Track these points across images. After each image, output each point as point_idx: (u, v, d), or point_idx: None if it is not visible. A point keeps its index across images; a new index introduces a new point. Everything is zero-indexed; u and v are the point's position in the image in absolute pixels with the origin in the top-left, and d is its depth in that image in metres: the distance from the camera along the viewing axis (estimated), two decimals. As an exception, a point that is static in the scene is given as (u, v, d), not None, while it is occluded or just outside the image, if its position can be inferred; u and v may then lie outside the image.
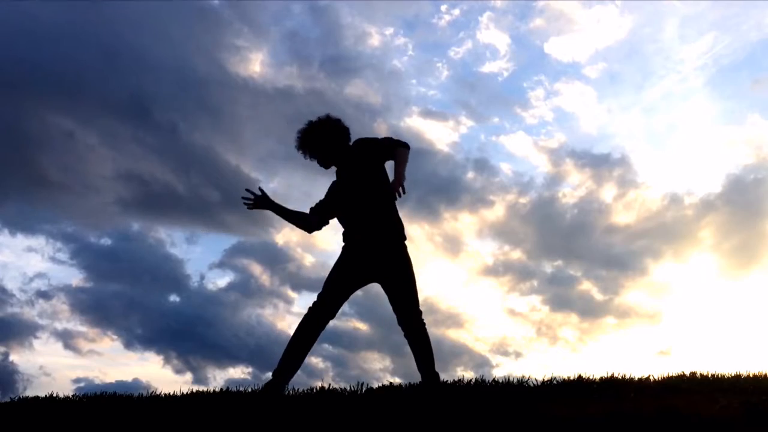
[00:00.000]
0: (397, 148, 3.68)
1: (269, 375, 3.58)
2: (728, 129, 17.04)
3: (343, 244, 3.80)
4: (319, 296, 3.68)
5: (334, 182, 3.89)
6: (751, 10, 16.00)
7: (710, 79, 17.15)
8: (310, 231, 3.92)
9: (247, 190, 3.80)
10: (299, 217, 3.89)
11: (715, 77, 17.18)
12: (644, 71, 17.88)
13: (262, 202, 3.80)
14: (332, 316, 3.67)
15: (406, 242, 3.78)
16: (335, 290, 3.67)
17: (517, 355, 12.41)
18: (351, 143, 3.80)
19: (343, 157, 3.77)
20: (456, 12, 18.34)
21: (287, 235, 16.99)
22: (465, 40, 18.56)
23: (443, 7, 18.39)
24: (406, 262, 3.70)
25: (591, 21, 18.00)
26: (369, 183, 3.69)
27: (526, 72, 18.87)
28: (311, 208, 3.90)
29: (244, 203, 3.81)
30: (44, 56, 14.93)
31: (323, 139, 3.71)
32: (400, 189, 3.51)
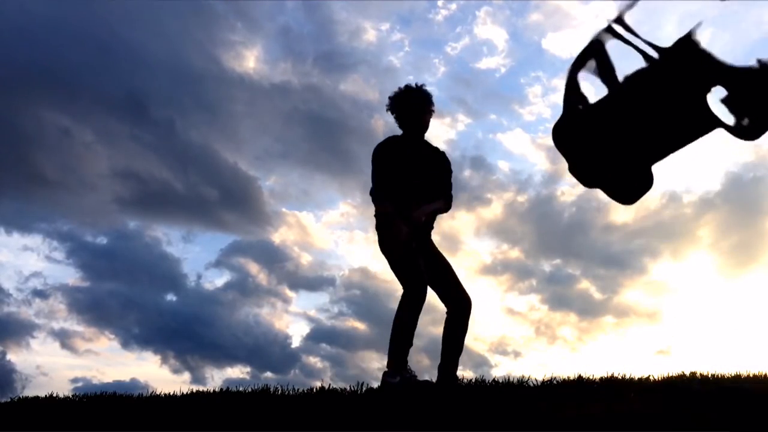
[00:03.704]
0: (446, 197, 4.00)
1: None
2: (728, 128, 17.05)
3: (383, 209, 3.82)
4: (414, 278, 3.71)
5: (387, 141, 3.94)
6: (750, 8, 16.00)
7: (710, 78, 17.15)
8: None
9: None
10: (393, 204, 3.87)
11: (714, 76, 17.18)
12: (643, 69, 17.88)
13: (413, 226, 3.82)
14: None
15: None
16: (419, 262, 3.77)
17: (516, 354, 12.42)
18: (434, 146, 4.05)
19: (417, 137, 3.97)
20: (453, 7, 18.31)
21: (284, 234, 17.01)
22: (462, 36, 18.54)
23: (440, 2, 18.38)
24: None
25: (589, 16, 18.00)
26: (428, 182, 3.92)
27: (523, 68, 18.84)
28: (387, 178, 3.87)
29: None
30: (39, 53, 14.91)
31: (407, 106, 3.91)
32: (417, 216, 3.77)
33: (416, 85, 3.96)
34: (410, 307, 3.64)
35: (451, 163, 4.11)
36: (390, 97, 3.94)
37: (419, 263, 3.74)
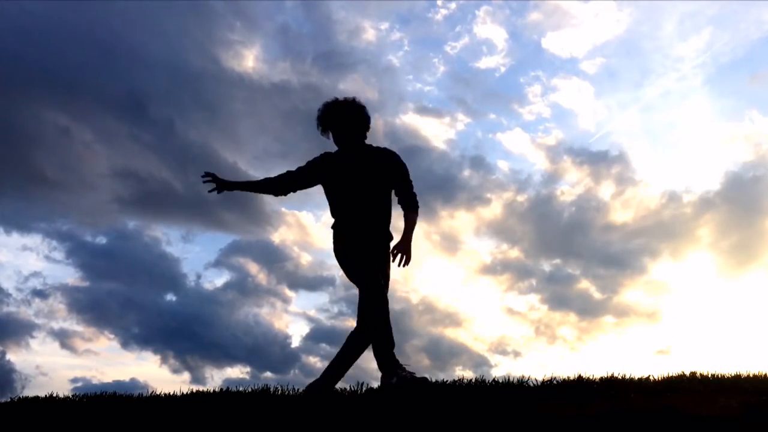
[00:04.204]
0: (412, 206, 3.83)
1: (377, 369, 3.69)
2: (727, 126, 17.06)
3: (336, 224, 3.82)
4: (372, 282, 3.70)
5: (326, 157, 3.87)
6: (750, 7, 16.02)
7: (709, 77, 17.17)
8: (279, 194, 3.93)
9: (204, 180, 3.81)
10: (264, 186, 3.90)
11: (713, 75, 17.20)
12: (643, 68, 17.91)
13: (221, 186, 3.82)
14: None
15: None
16: (375, 269, 3.73)
17: (516, 354, 12.44)
18: (379, 147, 3.87)
19: (359, 146, 3.81)
20: (452, 6, 18.34)
21: (284, 233, 17.00)
22: (461, 35, 18.56)
23: (439, 2, 18.39)
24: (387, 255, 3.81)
25: (589, 15, 18.01)
26: (380, 187, 3.77)
27: (523, 67, 18.88)
28: (290, 172, 3.88)
29: (209, 191, 3.83)
30: (39, 53, 14.93)
31: (346, 118, 3.76)
32: (403, 257, 3.70)
33: (345, 98, 3.81)
34: (377, 312, 3.66)
35: (402, 158, 3.87)
36: (328, 112, 3.77)
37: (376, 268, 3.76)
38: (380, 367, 3.67)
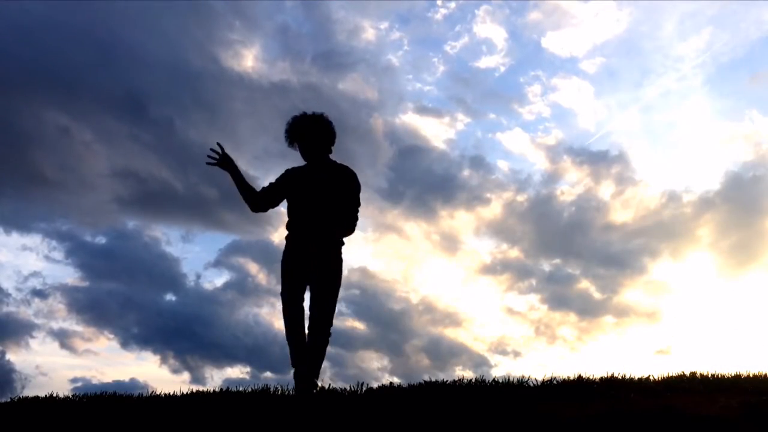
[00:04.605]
0: (350, 226, 3.85)
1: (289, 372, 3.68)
2: (727, 126, 17.05)
3: (287, 233, 3.85)
4: (282, 297, 3.74)
5: (291, 171, 3.92)
6: (750, 7, 16.00)
7: (709, 77, 17.14)
8: (255, 210, 3.95)
9: (212, 149, 3.84)
10: (251, 192, 3.91)
11: (713, 75, 17.18)
12: (642, 68, 17.87)
13: (223, 160, 3.85)
14: (301, 306, 3.75)
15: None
16: (292, 284, 3.75)
17: (516, 354, 12.42)
18: (342, 165, 3.89)
19: (324, 159, 3.86)
20: (452, 5, 18.29)
21: (284, 233, 16.98)
22: (461, 35, 18.52)
23: (439, 1, 18.37)
24: (337, 269, 3.79)
25: (588, 15, 17.99)
26: (339, 201, 3.79)
27: (522, 67, 18.83)
28: (263, 188, 3.92)
29: (207, 162, 3.85)
30: (39, 52, 14.89)
31: (315, 133, 3.81)
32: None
33: (313, 113, 3.87)
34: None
35: (359, 195, 3.92)
36: (297, 126, 3.82)
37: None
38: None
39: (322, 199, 3.77)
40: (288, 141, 3.89)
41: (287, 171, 3.94)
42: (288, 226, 3.86)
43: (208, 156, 3.84)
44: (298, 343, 3.70)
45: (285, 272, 3.78)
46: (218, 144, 3.84)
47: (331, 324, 3.74)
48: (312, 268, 3.72)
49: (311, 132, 3.82)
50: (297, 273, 3.75)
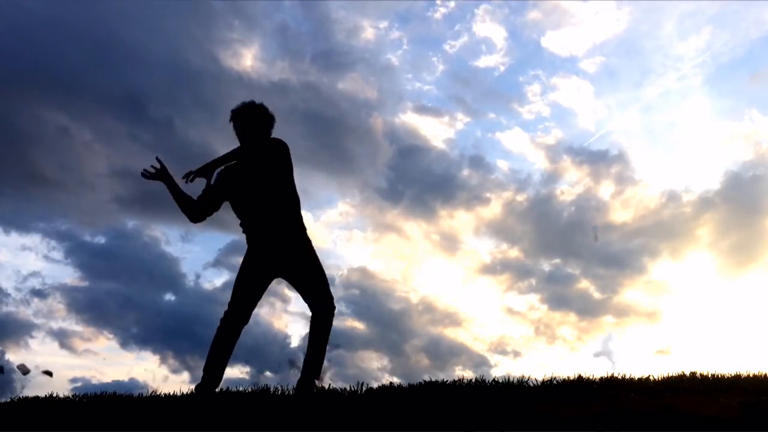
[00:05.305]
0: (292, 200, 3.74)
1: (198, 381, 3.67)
2: (727, 125, 17.07)
3: (245, 236, 3.78)
4: (229, 305, 3.70)
5: (224, 171, 3.81)
6: (750, 7, 16.03)
7: (709, 77, 17.19)
8: (194, 219, 3.85)
9: (152, 165, 3.78)
10: (188, 202, 3.82)
11: (713, 74, 17.22)
12: (642, 68, 17.93)
13: (160, 174, 3.79)
14: (246, 322, 3.73)
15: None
16: (244, 297, 3.70)
17: (516, 354, 12.45)
18: (272, 138, 3.79)
19: (256, 146, 3.75)
20: (451, 5, 18.34)
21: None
22: (460, 34, 18.55)
23: (438, 0, 18.38)
24: (308, 252, 3.74)
25: (588, 14, 18.01)
26: (276, 179, 3.70)
27: (522, 66, 18.89)
28: (199, 196, 3.82)
29: (142, 175, 3.79)
30: (38, 52, 14.95)
31: (254, 120, 3.74)
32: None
33: (251, 101, 3.79)
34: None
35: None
36: (231, 118, 3.77)
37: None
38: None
39: (257, 187, 3.69)
40: (243, 124, 3.79)
41: (218, 173, 3.81)
42: (241, 228, 3.79)
43: (144, 170, 3.77)
44: (219, 356, 3.68)
45: (241, 281, 3.70)
46: (157, 159, 3.78)
47: (330, 296, 3.71)
48: (282, 263, 3.68)
49: (238, 121, 3.76)
50: (257, 279, 3.69)
